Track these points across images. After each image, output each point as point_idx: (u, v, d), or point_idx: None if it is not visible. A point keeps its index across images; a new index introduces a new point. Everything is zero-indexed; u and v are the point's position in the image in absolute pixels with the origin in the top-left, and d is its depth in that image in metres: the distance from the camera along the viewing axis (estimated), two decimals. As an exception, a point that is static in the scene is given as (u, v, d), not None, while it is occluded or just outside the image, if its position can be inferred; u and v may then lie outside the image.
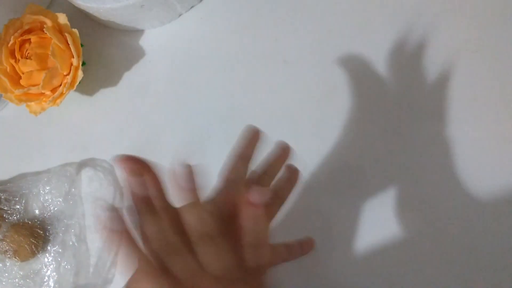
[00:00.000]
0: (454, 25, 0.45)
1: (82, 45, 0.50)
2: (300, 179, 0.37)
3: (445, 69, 0.44)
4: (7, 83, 0.49)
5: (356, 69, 0.46)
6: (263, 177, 0.36)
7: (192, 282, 0.26)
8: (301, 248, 0.38)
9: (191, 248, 0.28)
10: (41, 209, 0.50)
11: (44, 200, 0.50)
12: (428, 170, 0.42)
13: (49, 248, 0.49)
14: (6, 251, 0.47)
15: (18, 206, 0.50)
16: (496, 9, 0.44)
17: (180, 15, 0.53)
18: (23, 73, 0.49)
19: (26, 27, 0.49)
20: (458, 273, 0.39)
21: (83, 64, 0.50)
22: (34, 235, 0.48)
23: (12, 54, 0.49)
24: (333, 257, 0.41)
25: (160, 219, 0.29)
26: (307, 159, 0.45)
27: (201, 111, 0.49)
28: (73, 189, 0.50)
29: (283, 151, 0.37)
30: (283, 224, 0.39)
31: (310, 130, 0.46)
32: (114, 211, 0.28)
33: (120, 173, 0.50)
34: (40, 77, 0.47)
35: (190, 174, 0.30)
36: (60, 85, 0.49)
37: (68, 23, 0.49)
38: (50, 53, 0.47)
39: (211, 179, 0.47)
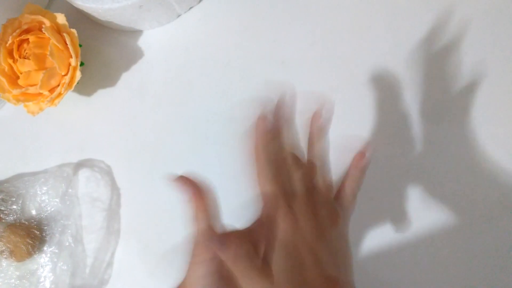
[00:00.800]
0: (452, 26, 0.45)
1: (80, 45, 0.50)
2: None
3: (445, 69, 0.44)
4: (5, 83, 0.49)
5: (355, 70, 0.46)
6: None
7: None
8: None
9: None
10: (38, 210, 0.50)
11: (41, 201, 0.50)
12: (429, 172, 0.42)
13: (45, 248, 0.48)
14: (3, 251, 0.47)
15: (14, 207, 0.50)
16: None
17: (178, 16, 0.53)
18: (21, 73, 0.49)
19: (25, 27, 0.49)
20: (457, 274, 0.39)
21: (81, 64, 0.50)
22: (31, 236, 0.48)
23: (10, 54, 0.49)
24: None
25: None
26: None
27: (199, 112, 0.49)
28: (70, 190, 0.50)
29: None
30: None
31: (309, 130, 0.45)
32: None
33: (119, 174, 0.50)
34: (38, 77, 0.47)
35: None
36: (58, 85, 0.49)
37: (66, 23, 0.49)
38: (48, 53, 0.47)
39: (209, 180, 0.47)
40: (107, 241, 0.47)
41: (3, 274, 0.48)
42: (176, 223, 0.47)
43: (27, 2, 0.50)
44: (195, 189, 0.30)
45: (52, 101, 0.49)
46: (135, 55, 0.53)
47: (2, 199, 0.50)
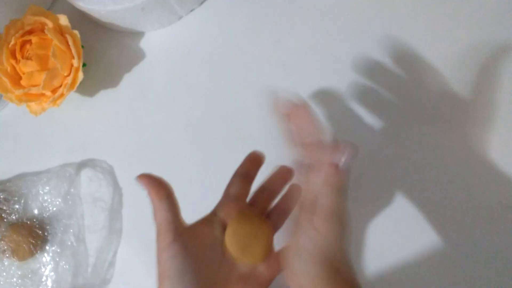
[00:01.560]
0: (449, 28, 0.45)
1: (82, 47, 0.50)
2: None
3: (441, 71, 0.44)
4: (7, 83, 0.49)
5: (355, 73, 0.46)
6: (262, 194, 0.37)
7: None
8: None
9: None
10: (40, 209, 0.50)
11: (43, 200, 0.50)
12: (426, 173, 0.42)
13: (47, 248, 0.49)
14: (5, 250, 0.47)
15: (17, 206, 0.50)
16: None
17: (180, 18, 0.53)
18: (23, 74, 0.49)
19: (27, 28, 0.49)
20: (457, 274, 0.39)
21: (84, 65, 0.51)
22: (33, 235, 0.48)
23: (13, 54, 0.49)
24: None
25: None
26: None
27: (200, 113, 0.50)
28: (72, 189, 0.50)
29: (285, 174, 0.38)
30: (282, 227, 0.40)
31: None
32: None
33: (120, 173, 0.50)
34: (40, 77, 0.48)
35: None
36: (61, 86, 0.49)
37: (69, 24, 0.49)
38: (50, 54, 0.47)
39: (209, 180, 0.47)
40: (109, 240, 0.48)
41: (5, 273, 0.49)
42: (178, 223, 0.47)
43: (30, 3, 0.51)
44: (154, 183, 0.33)
45: (54, 101, 0.49)
46: (137, 57, 0.53)
47: (5, 199, 0.51)
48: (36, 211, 0.50)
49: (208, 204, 0.46)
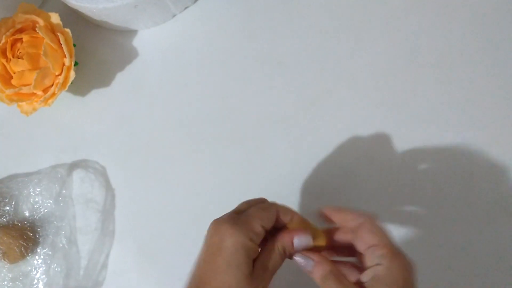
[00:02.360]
0: (445, 28, 0.45)
1: (74, 45, 0.49)
2: None
3: (436, 72, 0.44)
4: (-2, 82, 0.48)
5: (351, 71, 0.46)
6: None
7: None
8: None
9: None
10: (31, 211, 0.49)
11: (34, 202, 0.50)
12: (422, 172, 0.42)
13: (39, 250, 0.48)
14: (-5, 253, 0.47)
15: (7, 208, 0.50)
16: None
17: (174, 16, 0.53)
18: (14, 73, 0.48)
19: (18, 26, 0.49)
20: (455, 273, 0.39)
21: (76, 64, 0.50)
22: (24, 237, 0.48)
23: (3, 53, 0.49)
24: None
25: None
26: (301, 160, 0.45)
27: (194, 112, 0.49)
28: (64, 191, 0.49)
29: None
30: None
31: (304, 131, 0.46)
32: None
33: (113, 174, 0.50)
34: (31, 77, 0.47)
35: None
36: (52, 85, 0.48)
37: (60, 22, 0.49)
38: (42, 52, 0.46)
39: (202, 180, 0.47)
40: (102, 242, 0.47)
41: (-5, 276, 0.48)
42: (171, 224, 0.47)
43: (20, 1, 0.50)
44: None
45: (45, 101, 0.48)
46: (130, 55, 0.53)
47: (-5, 200, 0.50)
48: (27, 213, 0.49)
49: (200, 203, 0.46)
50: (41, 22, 0.48)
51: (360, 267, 0.32)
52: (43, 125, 0.53)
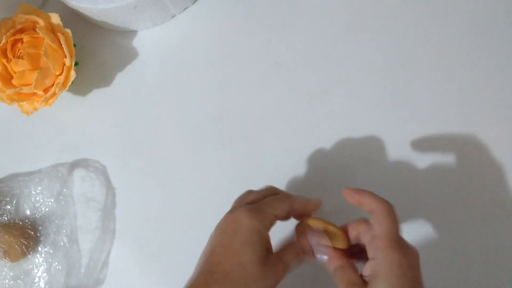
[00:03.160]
0: (442, 28, 0.45)
1: (75, 45, 0.49)
2: None
3: (434, 72, 0.44)
4: (-2, 82, 0.48)
5: (348, 71, 0.46)
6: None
7: None
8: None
9: None
10: (32, 210, 0.50)
11: (35, 201, 0.50)
12: (418, 171, 0.42)
13: (40, 248, 0.48)
14: (-4, 251, 0.47)
15: (8, 207, 0.50)
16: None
17: (173, 16, 0.53)
18: (15, 73, 0.48)
19: (19, 27, 0.49)
20: (452, 272, 0.39)
21: (76, 64, 0.50)
22: (25, 236, 0.48)
23: (4, 53, 0.49)
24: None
25: None
26: (298, 160, 0.45)
27: (194, 112, 0.49)
28: (64, 190, 0.49)
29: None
30: (277, 225, 0.40)
31: (302, 131, 0.46)
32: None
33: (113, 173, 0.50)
34: (32, 77, 0.47)
35: None
36: (53, 85, 0.49)
37: (61, 23, 0.49)
38: (42, 53, 0.47)
39: (202, 179, 0.47)
40: (102, 241, 0.47)
41: (-3, 275, 0.48)
42: (171, 223, 0.47)
43: (21, 1, 0.50)
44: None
45: (46, 101, 0.48)
46: (129, 55, 0.53)
47: (-4, 199, 0.50)
48: (28, 212, 0.50)
49: (200, 202, 0.46)
50: (41, 22, 0.48)
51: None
52: (44, 124, 0.54)
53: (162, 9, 0.50)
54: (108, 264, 0.47)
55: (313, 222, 0.34)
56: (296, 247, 0.33)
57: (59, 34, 0.48)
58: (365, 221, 0.33)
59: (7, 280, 0.48)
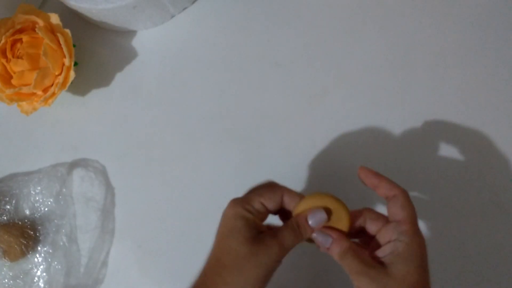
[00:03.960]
0: (440, 27, 0.45)
1: (74, 45, 0.50)
2: None
3: (433, 71, 0.45)
4: (-2, 82, 0.49)
5: (348, 71, 0.47)
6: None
7: None
8: None
9: None
10: (31, 210, 0.50)
11: (35, 201, 0.50)
12: (417, 171, 0.42)
13: (39, 248, 0.48)
14: (-4, 251, 0.47)
15: (8, 207, 0.50)
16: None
17: (172, 17, 0.53)
18: (14, 73, 0.48)
19: (18, 27, 0.49)
20: (450, 272, 0.40)
21: (75, 64, 0.50)
22: (24, 236, 0.48)
23: (3, 53, 0.49)
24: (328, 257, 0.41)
25: None
26: (298, 160, 0.45)
27: (193, 112, 0.50)
28: (64, 189, 0.50)
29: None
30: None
31: (301, 131, 0.46)
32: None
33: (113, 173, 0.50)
34: (31, 77, 0.47)
35: None
36: (52, 85, 0.49)
37: (60, 23, 0.49)
38: (41, 53, 0.47)
39: (202, 179, 0.48)
40: (102, 240, 0.47)
41: (-4, 274, 0.48)
42: (170, 222, 0.47)
43: (20, 2, 0.50)
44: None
45: (46, 101, 0.48)
46: (129, 55, 0.53)
47: (-4, 199, 0.50)
48: (27, 212, 0.50)
49: (200, 202, 0.47)
50: (40, 22, 0.48)
51: (366, 245, 0.33)
52: (43, 124, 0.54)
53: (161, 9, 0.51)
54: (108, 263, 0.47)
55: (311, 200, 0.33)
56: (291, 223, 0.32)
57: (58, 34, 0.48)
58: (372, 209, 0.34)
59: (6, 280, 0.48)
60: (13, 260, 0.48)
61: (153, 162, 0.49)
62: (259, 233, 0.32)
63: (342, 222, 0.33)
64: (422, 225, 0.41)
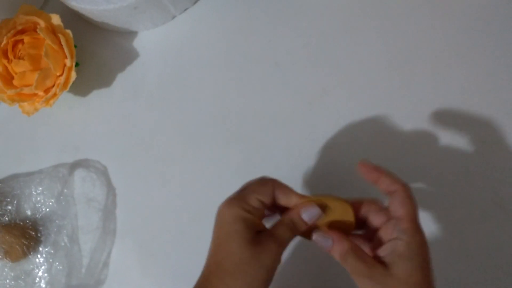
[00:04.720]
0: (440, 27, 0.45)
1: (75, 46, 0.50)
2: None
3: (433, 71, 0.45)
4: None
5: (348, 72, 0.47)
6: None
7: None
8: None
9: None
10: (33, 210, 0.50)
11: (36, 201, 0.50)
12: (417, 170, 0.42)
13: (41, 249, 0.48)
14: (-3, 252, 0.47)
15: (9, 207, 0.50)
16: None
17: (173, 17, 0.53)
18: (16, 74, 0.49)
19: (19, 28, 0.49)
20: (450, 272, 0.40)
21: (77, 65, 0.50)
22: (26, 236, 0.48)
23: (5, 54, 0.49)
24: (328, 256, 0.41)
25: None
26: (298, 159, 0.45)
27: (194, 112, 0.50)
28: (65, 190, 0.50)
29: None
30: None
31: (301, 131, 0.46)
32: None
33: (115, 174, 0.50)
34: (33, 77, 0.47)
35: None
36: (53, 85, 0.49)
37: (61, 24, 0.49)
38: (43, 53, 0.47)
39: (203, 180, 0.48)
40: (103, 241, 0.47)
41: (-2, 275, 0.48)
42: (172, 223, 0.47)
43: (22, 2, 0.50)
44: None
45: (47, 101, 0.49)
46: (130, 56, 0.53)
47: (-3, 200, 0.50)
48: (29, 212, 0.50)
49: (201, 202, 0.47)
50: (42, 23, 0.49)
51: (370, 238, 0.33)
52: (45, 125, 0.54)
53: (163, 10, 0.51)
54: (109, 264, 0.47)
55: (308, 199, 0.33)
56: (285, 219, 0.32)
57: (59, 35, 0.48)
58: (375, 201, 0.33)
59: (8, 280, 0.48)
60: (15, 261, 0.48)
61: (154, 162, 0.49)
62: (258, 233, 0.31)
63: (347, 215, 0.32)
64: (423, 224, 0.41)
